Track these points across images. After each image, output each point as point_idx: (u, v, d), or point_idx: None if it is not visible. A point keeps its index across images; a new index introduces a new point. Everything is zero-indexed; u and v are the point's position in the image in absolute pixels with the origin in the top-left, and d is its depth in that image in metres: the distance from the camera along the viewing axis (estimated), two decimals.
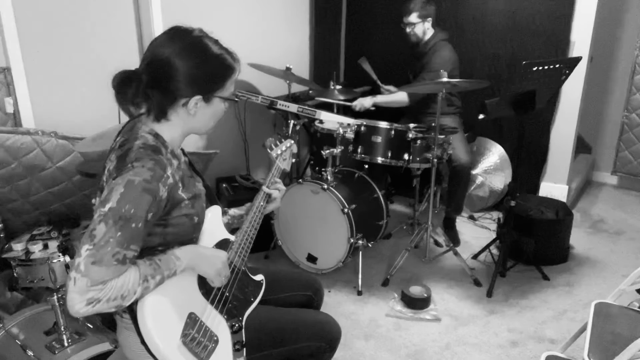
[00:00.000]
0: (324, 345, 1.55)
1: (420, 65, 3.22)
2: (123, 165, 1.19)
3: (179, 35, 1.28)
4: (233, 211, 1.67)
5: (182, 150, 1.46)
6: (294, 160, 1.74)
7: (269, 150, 1.74)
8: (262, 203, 1.61)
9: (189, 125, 1.34)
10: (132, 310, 1.23)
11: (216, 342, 1.32)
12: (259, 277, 1.56)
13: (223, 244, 1.47)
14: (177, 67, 1.24)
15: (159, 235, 1.28)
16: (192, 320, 1.28)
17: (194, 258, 1.30)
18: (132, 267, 1.17)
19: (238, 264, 1.47)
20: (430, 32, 3.20)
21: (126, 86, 1.27)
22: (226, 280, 1.39)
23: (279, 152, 1.76)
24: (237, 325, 1.39)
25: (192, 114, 1.30)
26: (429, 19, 3.16)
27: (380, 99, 3.28)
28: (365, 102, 3.25)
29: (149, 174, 1.18)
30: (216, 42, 1.31)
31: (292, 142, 1.82)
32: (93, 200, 1.27)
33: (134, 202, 1.14)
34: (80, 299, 1.09)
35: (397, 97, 3.23)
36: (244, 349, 1.38)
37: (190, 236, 1.36)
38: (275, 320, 1.53)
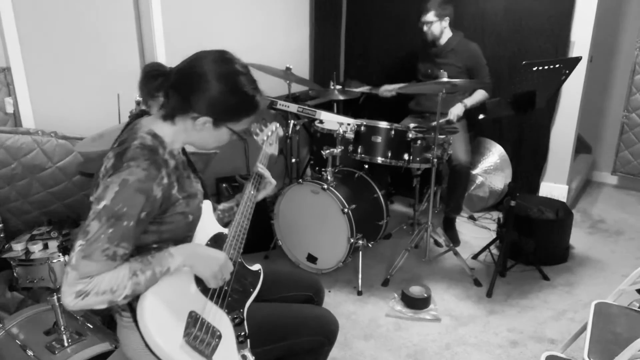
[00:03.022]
0: (322, 339, 1.57)
1: (443, 64, 3.20)
2: (119, 163, 1.21)
3: (225, 60, 1.32)
4: (223, 205, 1.66)
5: (184, 149, 1.47)
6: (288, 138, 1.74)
7: (255, 137, 1.73)
8: (252, 192, 1.61)
9: (191, 138, 1.36)
10: (133, 310, 1.24)
11: (219, 337, 1.33)
12: (256, 267, 1.56)
13: (217, 239, 1.47)
14: (206, 86, 1.27)
15: (154, 233, 1.29)
16: (193, 319, 1.29)
17: (190, 257, 1.31)
18: (123, 263, 1.20)
19: (234, 257, 1.46)
20: (448, 33, 3.22)
21: (153, 78, 1.31)
22: (223, 282, 1.38)
23: (264, 137, 1.75)
24: (238, 318, 1.40)
25: (197, 130, 1.32)
26: (447, 18, 3.17)
27: (468, 102, 3.19)
28: (458, 111, 3.14)
29: (143, 174, 1.20)
30: (253, 81, 1.34)
31: (277, 124, 1.80)
32: (91, 198, 1.29)
33: (127, 201, 1.17)
34: (70, 291, 1.13)
35: (480, 95, 3.23)
36: (248, 340, 1.39)
37: (185, 234, 1.38)
38: (276, 315, 1.54)
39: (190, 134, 1.34)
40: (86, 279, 1.14)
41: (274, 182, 1.69)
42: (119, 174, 1.19)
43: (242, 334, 1.38)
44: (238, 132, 1.37)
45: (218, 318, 1.36)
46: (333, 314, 1.66)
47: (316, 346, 1.58)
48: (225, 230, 1.51)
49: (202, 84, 1.28)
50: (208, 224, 1.48)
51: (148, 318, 1.21)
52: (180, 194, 1.33)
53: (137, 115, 1.39)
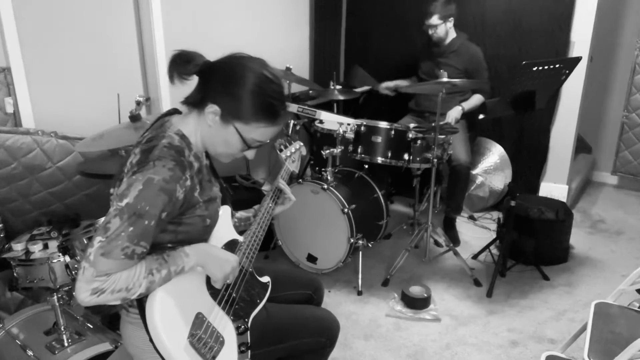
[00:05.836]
0: (323, 340, 1.58)
1: (444, 64, 3.19)
2: (145, 161, 1.21)
3: (263, 64, 1.32)
4: (240, 214, 1.67)
5: (206, 153, 1.46)
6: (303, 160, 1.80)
7: (279, 152, 1.78)
8: (270, 204, 1.63)
9: (203, 133, 1.34)
10: (141, 306, 1.24)
11: (222, 343, 1.32)
12: (265, 279, 1.57)
13: (231, 245, 1.48)
14: (230, 76, 1.27)
15: (171, 233, 1.30)
16: (200, 321, 1.29)
17: (204, 256, 1.31)
18: (139, 261, 1.20)
19: (246, 266, 1.47)
20: (452, 32, 3.22)
21: (185, 62, 1.29)
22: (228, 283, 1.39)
23: (288, 153, 1.80)
24: (243, 327, 1.39)
25: (208, 124, 1.31)
26: (451, 18, 3.16)
27: (466, 105, 3.17)
28: (456, 114, 3.12)
29: (168, 174, 1.20)
30: (281, 95, 1.33)
31: (301, 144, 1.86)
32: (112, 190, 1.29)
33: (150, 200, 1.17)
34: (86, 288, 1.13)
35: (477, 100, 3.22)
36: (249, 350, 1.38)
37: (201, 237, 1.38)
38: (276, 317, 1.54)
39: (203, 129, 1.32)
40: (103, 277, 1.13)
41: (293, 198, 1.69)
42: (144, 171, 1.18)
43: (244, 343, 1.37)
44: (246, 138, 1.31)
45: (223, 324, 1.35)
46: (333, 314, 1.66)
47: (317, 347, 1.58)
48: (240, 238, 1.52)
49: (233, 77, 1.27)
50: (224, 229, 1.48)
51: (157, 313, 1.21)
52: (202, 197, 1.33)
53: (167, 113, 1.39)
